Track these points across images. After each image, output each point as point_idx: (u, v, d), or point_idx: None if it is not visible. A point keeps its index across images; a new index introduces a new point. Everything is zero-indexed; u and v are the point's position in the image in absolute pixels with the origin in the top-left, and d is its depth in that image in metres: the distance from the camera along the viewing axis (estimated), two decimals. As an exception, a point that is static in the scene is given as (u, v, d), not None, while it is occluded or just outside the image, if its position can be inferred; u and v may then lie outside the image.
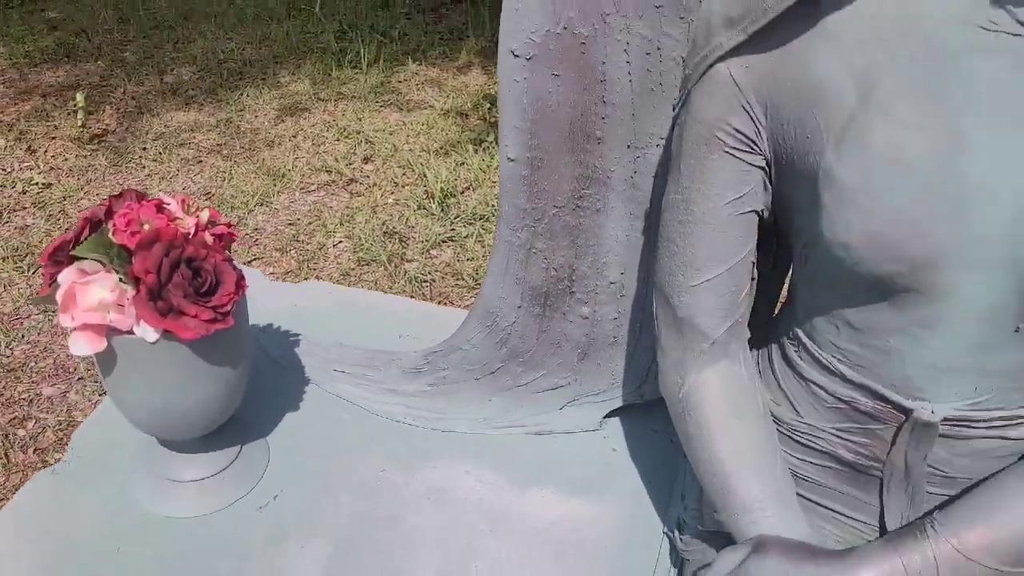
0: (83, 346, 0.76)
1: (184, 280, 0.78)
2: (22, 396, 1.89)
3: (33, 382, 1.92)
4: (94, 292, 0.76)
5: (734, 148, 0.69)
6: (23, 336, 2.05)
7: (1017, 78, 0.58)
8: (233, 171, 2.73)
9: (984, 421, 0.68)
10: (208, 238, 0.81)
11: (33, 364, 1.97)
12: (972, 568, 0.63)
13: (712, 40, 0.66)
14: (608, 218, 0.90)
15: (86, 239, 0.78)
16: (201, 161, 2.79)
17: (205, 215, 0.82)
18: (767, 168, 0.70)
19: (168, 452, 0.93)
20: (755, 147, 0.68)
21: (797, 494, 0.76)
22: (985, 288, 0.62)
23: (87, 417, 1.09)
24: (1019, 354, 0.65)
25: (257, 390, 1.06)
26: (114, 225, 0.78)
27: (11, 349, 2.01)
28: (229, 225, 0.84)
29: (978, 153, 0.59)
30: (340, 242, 2.41)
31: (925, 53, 0.59)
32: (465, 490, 0.96)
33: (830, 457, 0.75)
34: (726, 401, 0.75)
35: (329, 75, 3.35)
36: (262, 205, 2.56)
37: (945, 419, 0.68)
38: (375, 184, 2.68)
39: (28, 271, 2.28)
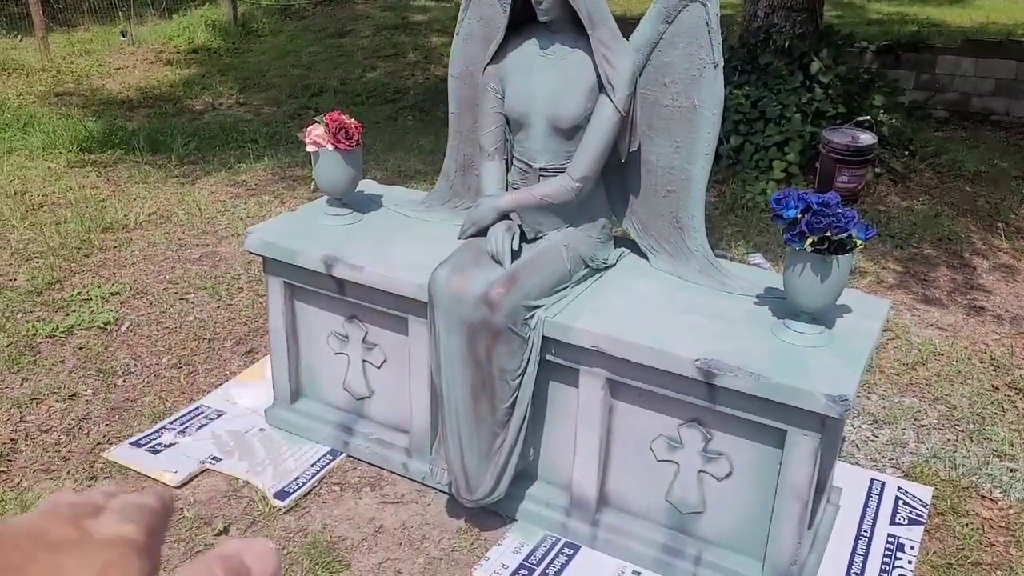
0: (311, 147, 2.72)
1: (345, 132, 2.72)
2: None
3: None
4: (317, 131, 2.72)
5: (493, 91, 2.56)
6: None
7: (546, 67, 2.44)
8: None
9: (553, 169, 2.48)
10: (351, 123, 2.77)
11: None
12: (532, 198, 2.45)
13: (486, 60, 2.56)
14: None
15: (317, 120, 2.76)
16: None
17: (352, 121, 2.78)
18: (503, 98, 2.56)
19: (328, 206, 2.86)
20: (499, 91, 2.55)
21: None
22: (542, 123, 2.45)
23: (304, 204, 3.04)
24: (553, 145, 2.45)
25: (361, 198, 2.97)
26: (326, 117, 2.75)
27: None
28: (359, 124, 2.80)
29: (535, 87, 2.44)
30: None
31: (525, 62, 2.47)
32: (429, 230, 2.80)
33: (519, 189, 2.56)
34: (489, 172, 2.58)
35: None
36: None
37: (542, 168, 2.48)
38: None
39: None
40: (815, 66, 5.37)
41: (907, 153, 5.49)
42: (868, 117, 5.11)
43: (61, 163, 5.74)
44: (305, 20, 10.30)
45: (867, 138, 4.90)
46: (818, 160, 5.07)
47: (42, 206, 4.94)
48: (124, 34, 9.24)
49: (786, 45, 5.49)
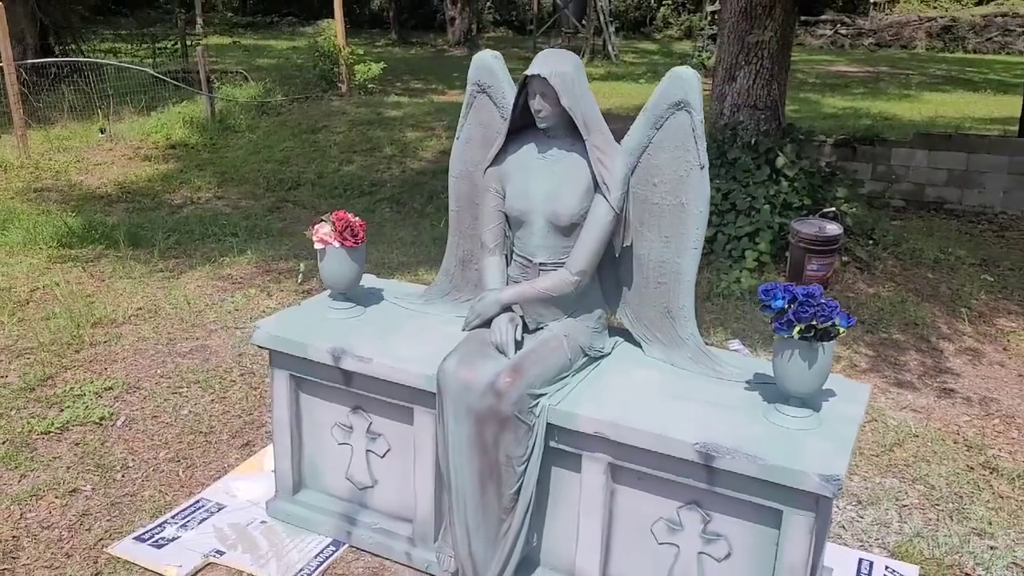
0: (318, 246, 2.86)
1: (351, 230, 2.87)
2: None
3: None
4: (324, 229, 2.86)
5: (494, 191, 2.73)
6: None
7: (544, 169, 2.62)
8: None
9: (552, 264, 2.64)
10: (356, 222, 2.92)
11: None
12: (533, 291, 2.60)
13: (487, 163, 2.74)
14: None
15: (324, 219, 2.90)
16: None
17: (357, 219, 2.93)
18: (503, 197, 2.73)
19: (332, 300, 2.98)
20: (500, 191, 2.73)
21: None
22: (541, 221, 2.62)
23: (310, 297, 3.16)
24: (551, 241, 2.62)
25: (363, 292, 3.10)
26: (332, 216, 2.90)
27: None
28: (363, 223, 2.95)
29: (534, 188, 2.62)
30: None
31: (525, 164, 2.65)
32: (430, 323, 2.93)
33: (520, 283, 2.71)
34: (490, 267, 2.74)
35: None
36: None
37: (541, 263, 2.65)
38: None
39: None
40: (780, 161, 5.68)
41: (871, 242, 5.77)
42: (834, 208, 5.39)
43: (42, 259, 5.81)
44: (281, 116, 10.57)
45: (834, 228, 5.17)
46: (788, 250, 5.31)
47: (28, 302, 5.00)
48: (103, 131, 9.42)
49: (752, 141, 5.80)
